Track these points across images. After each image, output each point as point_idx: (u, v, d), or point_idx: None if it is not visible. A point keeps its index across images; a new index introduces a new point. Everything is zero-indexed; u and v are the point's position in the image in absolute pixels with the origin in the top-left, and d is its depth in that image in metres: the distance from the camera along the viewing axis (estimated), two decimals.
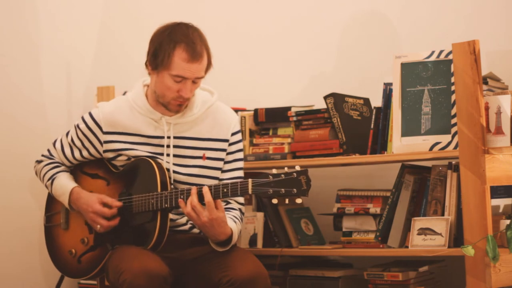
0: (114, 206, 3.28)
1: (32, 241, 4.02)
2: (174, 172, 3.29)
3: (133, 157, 3.31)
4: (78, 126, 3.39)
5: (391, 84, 3.47)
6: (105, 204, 3.28)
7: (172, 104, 3.26)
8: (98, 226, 3.29)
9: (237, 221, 3.27)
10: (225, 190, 3.09)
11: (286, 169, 3.03)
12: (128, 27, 4.42)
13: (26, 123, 4.08)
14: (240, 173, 3.38)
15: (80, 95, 4.34)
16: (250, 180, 3.04)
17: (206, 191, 3.11)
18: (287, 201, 3.02)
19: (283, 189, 2.99)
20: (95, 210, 3.28)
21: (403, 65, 3.43)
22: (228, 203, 3.33)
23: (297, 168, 3.01)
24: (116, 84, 4.17)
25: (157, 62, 3.21)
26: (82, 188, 3.38)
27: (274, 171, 3.04)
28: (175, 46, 3.19)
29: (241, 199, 3.36)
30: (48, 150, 3.49)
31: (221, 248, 3.20)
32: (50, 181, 3.42)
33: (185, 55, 3.19)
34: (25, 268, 4.03)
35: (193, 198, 3.12)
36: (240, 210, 3.34)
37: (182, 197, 3.15)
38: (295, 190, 2.98)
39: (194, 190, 3.13)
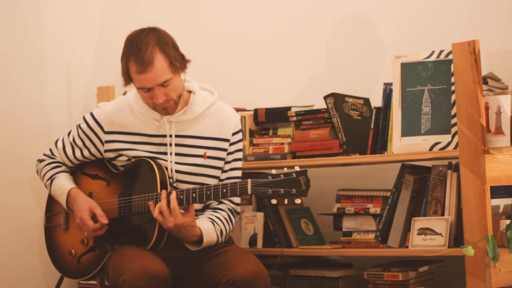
0: (100, 221, 3.28)
1: (32, 241, 4.02)
2: (176, 171, 3.29)
3: (134, 157, 3.31)
4: (79, 125, 3.40)
5: (391, 84, 3.47)
6: (94, 216, 3.29)
7: (157, 109, 3.27)
8: (85, 233, 3.32)
9: (219, 221, 3.25)
10: (224, 190, 3.09)
11: (285, 169, 3.02)
12: (128, 27, 4.39)
13: (27, 123, 4.08)
14: (238, 173, 3.38)
15: (80, 95, 4.34)
16: (249, 180, 3.03)
17: (172, 197, 3.12)
18: (286, 201, 3.02)
19: (282, 189, 2.99)
20: (81, 218, 3.29)
21: (403, 65, 3.43)
22: (220, 203, 3.33)
23: (297, 168, 3.01)
24: (116, 84, 4.16)
25: (124, 79, 3.24)
26: (81, 189, 3.39)
27: (274, 171, 3.04)
28: (128, 60, 3.20)
29: (236, 199, 3.35)
30: (50, 150, 3.50)
31: (194, 247, 3.20)
32: (49, 181, 3.42)
33: (135, 67, 3.17)
34: (25, 268, 4.03)
35: (162, 202, 3.14)
36: (231, 210, 3.33)
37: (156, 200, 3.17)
38: (294, 190, 2.98)
39: (163, 194, 3.15)
